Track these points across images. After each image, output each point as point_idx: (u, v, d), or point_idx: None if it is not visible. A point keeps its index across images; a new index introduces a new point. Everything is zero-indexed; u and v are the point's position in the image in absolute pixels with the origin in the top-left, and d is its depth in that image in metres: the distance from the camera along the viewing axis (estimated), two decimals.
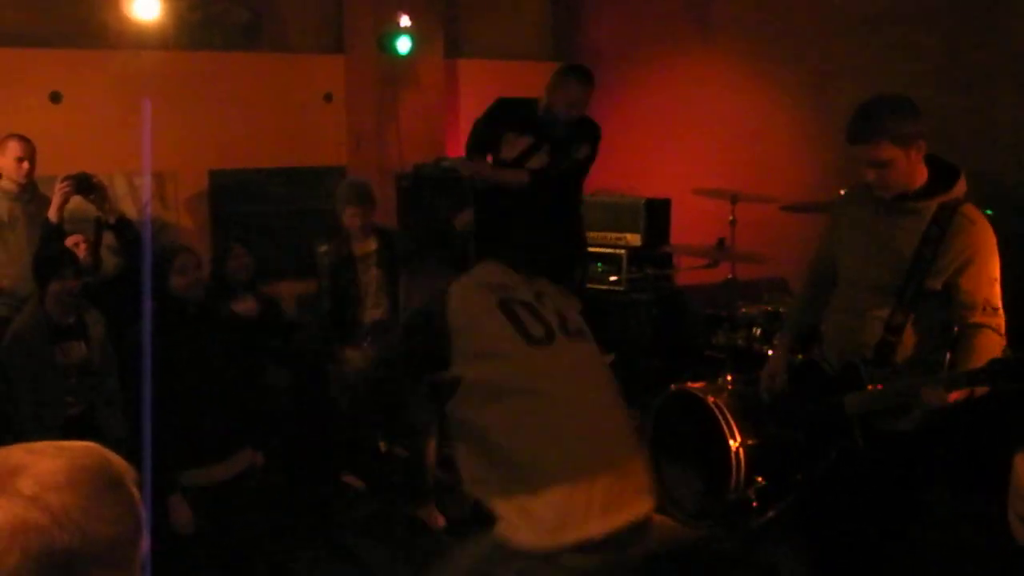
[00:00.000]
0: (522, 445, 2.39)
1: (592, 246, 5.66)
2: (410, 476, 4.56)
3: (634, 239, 5.88)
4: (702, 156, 6.48)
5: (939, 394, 2.65)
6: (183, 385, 3.62)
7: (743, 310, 4.87)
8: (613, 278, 5.82)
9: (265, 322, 4.97)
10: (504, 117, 4.96)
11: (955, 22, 5.14)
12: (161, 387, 3.46)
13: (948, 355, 2.89)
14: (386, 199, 6.21)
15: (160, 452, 3.44)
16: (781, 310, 4.74)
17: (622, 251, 5.82)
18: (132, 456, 1.24)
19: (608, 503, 2.35)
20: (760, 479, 4.25)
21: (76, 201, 4.61)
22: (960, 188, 2.89)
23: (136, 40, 5.55)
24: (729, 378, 4.59)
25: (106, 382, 4.16)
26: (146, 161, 5.37)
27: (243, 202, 6.29)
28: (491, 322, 2.50)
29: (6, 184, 4.67)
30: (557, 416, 2.43)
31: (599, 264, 5.88)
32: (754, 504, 4.26)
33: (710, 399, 4.38)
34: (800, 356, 3.44)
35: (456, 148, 6.97)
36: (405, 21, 6.36)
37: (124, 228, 4.69)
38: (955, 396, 2.65)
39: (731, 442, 4.24)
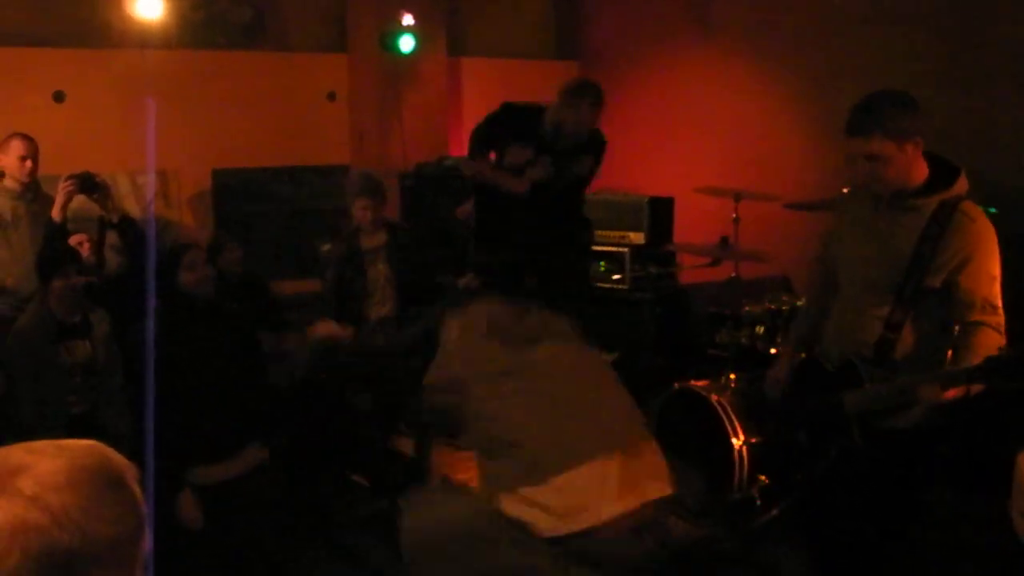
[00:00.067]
0: (525, 437, 2.40)
1: (595, 245, 5.66)
2: (413, 476, 4.56)
3: (637, 238, 5.88)
4: (705, 154, 6.48)
5: (936, 392, 2.65)
6: (191, 382, 3.62)
7: (746, 308, 4.87)
8: (616, 276, 5.82)
9: (259, 310, 4.97)
10: (509, 124, 4.94)
11: (955, 22, 5.13)
12: (169, 384, 3.47)
13: (949, 353, 2.88)
14: (389, 198, 6.21)
15: (169, 449, 3.45)
16: (784, 308, 4.74)
17: (625, 249, 5.82)
18: (136, 454, 1.24)
19: (615, 488, 2.35)
20: (763, 478, 4.25)
21: (79, 200, 4.61)
22: (961, 186, 2.88)
23: (139, 39, 5.56)
24: (732, 377, 4.59)
25: (110, 381, 4.16)
26: (149, 160, 5.38)
27: (246, 201, 6.30)
28: (478, 339, 2.57)
29: (9, 183, 4.67)
30: (557, 408, 2.45)
31: (602, 263, 5.88)
32: (757, 503, 4.26)
33: (713, 398, 4.38)
34: (802, 355, 3.43)
35: (459, 147, 6.97)
36: (408, 20, 6.36)
37: (127, 227, 4.69)
38: (952, 394, 2.64)
39: (734, 441, 4.24)
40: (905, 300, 2.86)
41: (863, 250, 3.03)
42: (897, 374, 2.86)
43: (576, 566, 2.31)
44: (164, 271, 3.78)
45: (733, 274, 5.08)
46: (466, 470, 2.85)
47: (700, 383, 4.59)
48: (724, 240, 4.98)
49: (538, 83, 7.41)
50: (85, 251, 4.55)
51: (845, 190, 3.44)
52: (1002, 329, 2.78)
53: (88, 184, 4.54)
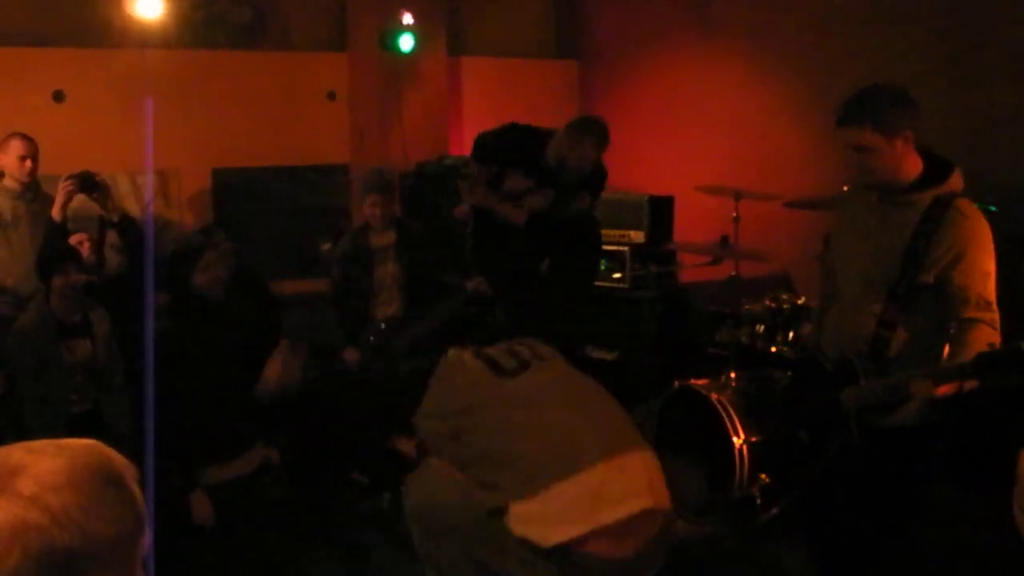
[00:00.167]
0: (520, 448, 2.41)
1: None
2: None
3: (638, 236, 5.88)
4: (705, 153, 6.47)
5: (929, 388, 2.65)
6: (202, 382, 3.61)
7: (746, 307, 4.87)
8: (617, 275, 5.82)
9: (258, 309, 4.98)
10: (513, 148, 4.89)
11: (955, 21, 5.13)
12: (180, 384, 3.47)
13: (946, 350, 2.88)
14: None
15: (181, 449, 3.46)
16: (784, 307, 4.74)
17: (625, 248, 5.81)
18: (137, 453, 1.24)
19: (606, 496, 2.36)
20: (764, 476, 4.25)
21: (79, 200, 4.61)
22: (955, 182, 2.88)
23: (139, 39, 5.55)
24: (733, 375, 4.58)
25: (111, 380, 4.17)
26: (149, 159, 5.38)
27: (246, 200, 6.30)
28: (466, 366, 2.59)
29: (9, 183, 4.67)
30: (542, 428, 2.46)
31: (603, 261, 5.88)
32: (758, 501, 4.26)
33: (714, 396, 4.38)
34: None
35: (459, 146, 6.97)
36: (408, 19, 6.36)
37: (128, 226, 4.69)
38: (944, 390, 2.64)
39: (735, 439, 4.24)
40: (899, 297, 2.87)
41: (858, 247, 3.03)
42: (892, 371, 2.86)
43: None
44: (177, 270, 3.75)
45: (733, 273, 5.08)
46: None
47: (700, 382, 4.59)
48: (724, 239, 4.98)
49: (538, 82, 7.43)
50: (85, 250, 4.55)
51: (845, 188, 3.44)
52: (997, 325, 2.77)
53: (88, 183, 4.54)
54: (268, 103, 6.29)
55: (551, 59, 7.58)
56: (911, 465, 2.97)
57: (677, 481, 4.66)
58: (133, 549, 1.10)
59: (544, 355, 2.84)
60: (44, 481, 1.04)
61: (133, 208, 5.62)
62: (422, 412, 2.70)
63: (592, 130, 4.72)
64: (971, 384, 2.62)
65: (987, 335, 2.72)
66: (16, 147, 4.63)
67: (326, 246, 5.47)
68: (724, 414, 4.29)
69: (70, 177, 4.52)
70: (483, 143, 5.06)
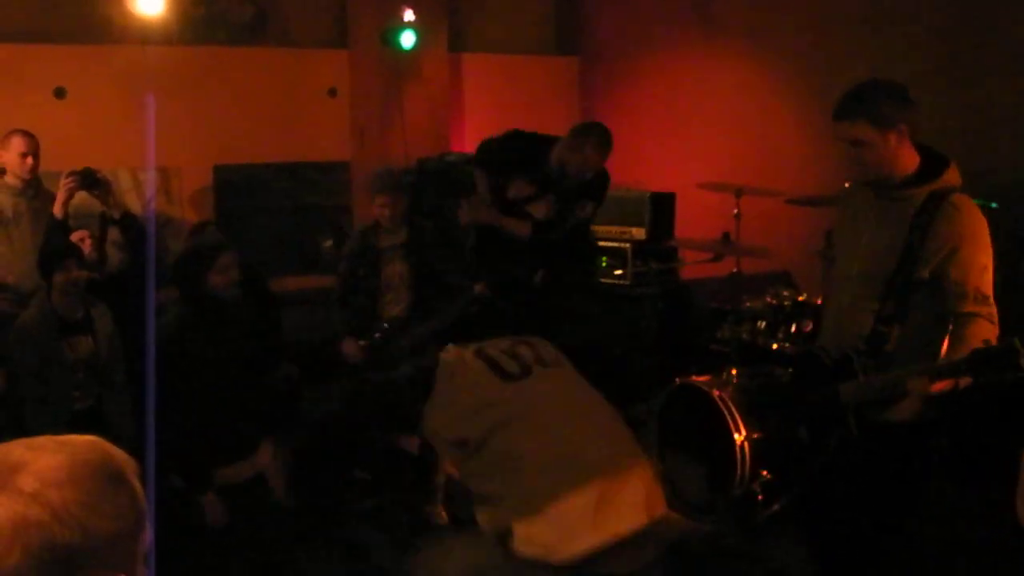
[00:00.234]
0: (515, 475, 2.44)
1: (597, 240, 5.66)
2: (419, 474, 4.56)
3: (639, 233, 5.88)
4: (706, 150, 6.47)
5: (924, 385, 2.65)
6: (216, 383, 3.61)
7: (747, 304, 4.86)
8: (618, 272, 5.82)
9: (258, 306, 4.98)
10: (516, 155, 4.86)
11: (956, 20, 5.13)
12: (193, 384, 3.47)
13: (945, 345, 2.88)
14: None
15: (194, 450, 3.46)
16: (786, 304, 4.73)
17: (627, 245, 5.81)
18: (139, 450, 1.24)
19: (603, 516, 2.38)
20: (765, 473, 4.25)
21: (81, 196, 4.62)
22: (950, 177, 2.89)
23: (140, 35, 5.55)
24: (734, 372, 4.58)
25: (113, 377, 4.17)
26: (150, 156, 5.38)
27: (247, 197, 6.30)
28: (470, 368, 2.59)
29: (10, 180, 4.67)
30: (543, 441, 2.48)
31: (604, 258, 5.88)
32: (759, 498, 4.26)
33: (715, 393, 4.38)
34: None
35: (460, 142, 6.97)
36: (409, 15, 6.35)
37: (129, 223, 4.69)
38: (939, 387, 2.64)
39: (736, 436, 4.24)
40: (896, 292, 2.87)
41: (857, 243, 3.05)
42: (890, 367, 2.86)
43: None
44: (191, 270, 3.72)
45: (735, 269, 5.08)
46: None
47: (702, 378, 4.59)
48: (726, 236, 4.98)
49: (539, 79, 7.43)
50: (87, 247, 4.55)
51: (847, 184, 3.44)
52: (995, 319, 2.77)
53: (89, 180, 4.54)
54: (269, 100, 6.29)
55: (552, 56, 7.58)
56: (910, 462, 2.98)
57: (678, 477, 4.66)
58: (134, 545, 1.10)
59: (547, 359, 2.84)
60: (45, 477, 1.04)
61: (135, 205, 5.63)
62: (426, 412, 2.71)
63: (592, 133, 4.70)
64: (966, 381, 2.62)
65: (985, 330, 2.72)
66: (17, 144, 4.63)
67: (327, 243, 5.46)
68: (725, 411, 4.29)
69: (71, 174, 4.52)
70: (487, 149, 5.05)
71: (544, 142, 4.81)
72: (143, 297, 3.36)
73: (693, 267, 5.76)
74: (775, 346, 4.67)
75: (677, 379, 4.69)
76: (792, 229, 5.32)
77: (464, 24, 7.15)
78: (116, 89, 5.58)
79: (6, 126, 4.76)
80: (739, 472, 4.23)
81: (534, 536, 2.36)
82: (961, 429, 3.49)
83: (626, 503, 2.46)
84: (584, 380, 2.74)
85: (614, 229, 5.88)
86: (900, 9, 5.38)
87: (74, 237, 4.53)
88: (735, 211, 5.00)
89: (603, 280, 5.81)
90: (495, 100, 7.18)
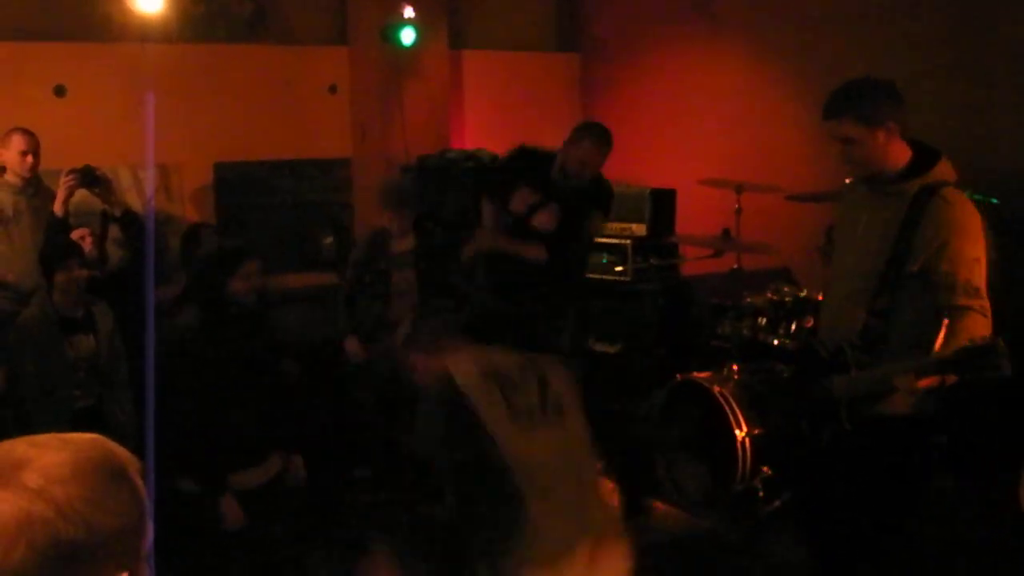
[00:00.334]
0: (511, 523, 2.46)
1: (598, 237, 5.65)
2: (420, 473, 4.54)
3: (639, 229, 5.87)
4: (707, 146, 6.47)
5: (910, 381, 2.65)
6: (232, 386, 3.60)
7: (748, 300, 4.87)
8: (619, 268, 5.82)
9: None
10: (523, 169, 4.79)
11: (958, 16, 5.13)
12: (211, 387, 3.46)
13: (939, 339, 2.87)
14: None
15: (211, 454, 3.46)
16: (786, 300, 4.74)
17: (627, 241, 5.81)
18: (139, 448, 1.24)
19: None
20: (766, 469, 4.26)
21: (81, 194, 4.62)
22: (941, 171, 2.90)
23: (140, 33, 5.55)
24: (735, 368, 4.59)
25: (114, 375, 4.17)
26: (150, 154, 5.37)
27: (248, 194, 6.30)
28: (484, 397, 2.58)
29: (10, 178, 4.67)
30: (546, 496, 2.51)
31: (604, 254, 5.88)
32: (760, 494, 4.26)
33: (716, 389, 4.39)
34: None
35: (460, 139, 6.96)
36: (409, 12, 6.35)
37: (130, 221, 4.69)
38: (926, 383, 2.64)
39: (737, 432, 4.24)
40: (888, 286, 2.88)
41: (852, 238, 3.07)
42: (883, 361, 2.86)
43: None
44: (214, 274, 3.71)
45: (735, 266, 5.08)
46: None
47: (703, 374, 4.60)
48: (726, 232, 4.98)
49: (540, 75, 7.43)
50: (87, 245, 4.55)
51: (848, 181, 3.45)
52: (988, 313, 2.76)
53: (90, 178, 4.54)
54: (269, 97, 6.29)
55: (553, 52, 7.58)
56: (910, 458, 2.98)
57: (679, 474, 4.67)
58: (137, 543, 1.10)
59: (559, 402, 2.81)
60: (49, 474, 1.05)
61: (135, 202, 5.62)
62: (427, 432, 2.67)
63: (592, 129, 4.65)
64: (952, 378, 2.62)
65: (977, 323, 2.71)
66: (17, 142, 4.63)
67: (328, 240, 5.46)
68: (726, 407, 4.30)
69: (72, 172, 4.52)
70: (485, 170, 5.02)
71: (548, 155, 4.75)
72: (144, 295, 3.37)
73: (694, 263, 5.76)
74: (776, 342, 4.68)
75: (678, 375, 4.69)
76: (793, 225, 5.31)
77: (464, 21, 7.14)
78: (116, 87, 5.58)
79: (6, 124, 4.76)
80: (740, 468, 4.23)
81: None
82: (961, 425, 3.49)
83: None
84: (586, 438, 2.72)
85: (614, 225, 5.87)
86: (900, 6, 5.38)
87: (74, 235, 4.53)
88: (736, 207, 4.99)
89: (603, 276, 5.80)
90: (495, 97, 7.18)
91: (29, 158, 4.63)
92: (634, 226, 5.88)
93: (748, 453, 4.23)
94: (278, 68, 6.35)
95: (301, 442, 3.89)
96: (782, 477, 4.23)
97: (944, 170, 2.91)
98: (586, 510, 2.63)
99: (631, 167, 6.40)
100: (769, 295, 4.82)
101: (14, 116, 4.92)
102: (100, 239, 4.76)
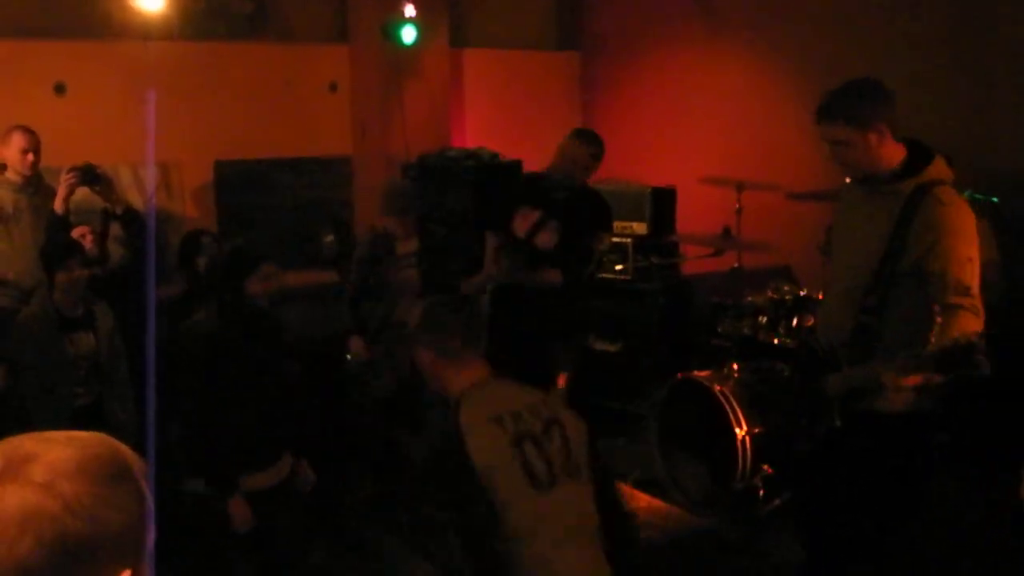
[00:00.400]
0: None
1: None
2: (420, 480, 4.54)
3: (640, 228, 5.88)
4: (708, 145, 6.47)
5: (895, 379, 2.65)
6: (247, 387, 3.59)
7: (749, 298, 4.87)
8: (619, 267, 5.82)
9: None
10: (524, 191, 4.79)
11: (959, 15, 5.13)
12: (226, 388, 3.46)
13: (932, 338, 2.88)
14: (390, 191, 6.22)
15: (222, 455, 3.46)
16: (787, 298, 4.74)
17: (628, 240, 5.81)
18: (140, 446, 1.24)
19: None
20: (766, 467, 4.26)
21: (82, 192, 4.61)
22: (935, 170, 2.91)
23: (140, 31, 5.54)
24: (735, 366, 4.59)
25: (115, 373, 4.17)
26: (151, 152, 5.37)
27: (248, 192, 6.29)
28: (506, 469, 2.58)
29: (11, 176, 4.67)
30: (544, 566, 2.54)
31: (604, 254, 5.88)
32: (761, 492, 4.27)
33: (716, 388, 4.39)
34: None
35: (461, 138, 6.96)
36: (410, 10, 6.34)
37: (131, 219, 4.69)
38: (911, 381, 2.64)
39: (737, 431, 4.25)
40: (882, 284, 2.89)
41: (850, 236, 3.09)
42: (875, 359, 2.87)
43: None
44: (230, 276, 3.70)
45: (736, 264, 5.08)
46: None
47: (703, 373, 4.60)
48: (727, 230, 4.99)
49: (540, 74, 7.43)
50: (88, 243, 4.55)
51: (848, 180, 3.46)
52: (979, 312, 2.76)
53: (90, 176, 4.54)
54: (270, 95, 6.29)
55: (553, 51, 7.58)
56: (910, 458, 2.98)
57: (680, 472, 4.67)
58: (140, 542, 1.11)
59: (574, 464, 2.81)
60: (56, 468, 1.05)
61: (135, 201, 5.61)
62: (435, 481, 2.67)
63: (580, 133, 4.64)
64: (936, 376, 2.62)
65: (967, 321, 2.71)
66: (18, 140, 4.62)
67: (328, 238, 5.44)
68: (727, 405, 4.30)
69: (72, 169, 4.51)
70: (483, 206, 4.99)
71: (541, 173, 4.74)
72: (144, 293, 3.36)
73: (694, 262, 5.76)
74: (776, 341, 4.68)
75: (678, 374, 4.70)
76: (793, 224, 5.31)
77: (465, 19, 7.14)
78: (116, 85, 5.57)
79: (6, 122, 4.75)
80: (740, 467, 4.24)
81: None
82: (962, 425, 3.50)
83: None
84: (590, 499, 2.73)
85: (615, 224, 5.87)
86: (900, 6, 5.38)
87: (75, 233, 4.53)
88: (736, 206, 5.00)
89: (604, 275, 5.80)
90: (496, 96, 7.18)
91: (30, 156, 4.63)
92: (635, 225, 5.88)
93: (748, 452, 4.23)
94: (278, 66, 6.35)
95: (302, 442, 3.88)
96: (782, 476, 4.23)
97: (938, 169, 2.93)
98: (588, 561, 2.66)
99: (631, 166, 6.40)
100: (770, 294, 4.82)
101: (14, 114, 4.91)
102: (101, 237, 4.75)
